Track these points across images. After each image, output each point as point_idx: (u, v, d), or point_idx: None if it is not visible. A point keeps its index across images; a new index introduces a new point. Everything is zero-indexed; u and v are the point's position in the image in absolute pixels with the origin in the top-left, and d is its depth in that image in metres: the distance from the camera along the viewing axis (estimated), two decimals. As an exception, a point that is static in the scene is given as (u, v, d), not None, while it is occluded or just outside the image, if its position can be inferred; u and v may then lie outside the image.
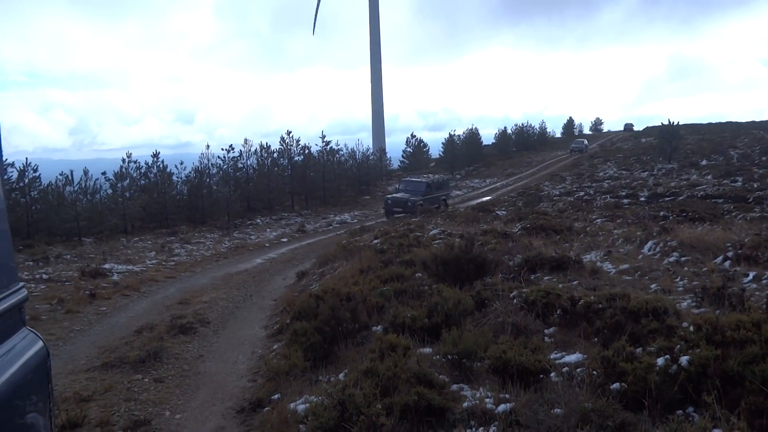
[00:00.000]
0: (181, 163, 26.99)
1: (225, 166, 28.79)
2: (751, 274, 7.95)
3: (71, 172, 22.19)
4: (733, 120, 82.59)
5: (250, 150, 30.74)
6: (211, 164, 28.00)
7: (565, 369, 4.98)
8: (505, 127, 64.93)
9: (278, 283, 13.73)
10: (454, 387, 4.87)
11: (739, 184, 27.13)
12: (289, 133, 32.74)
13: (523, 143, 66.55)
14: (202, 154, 27.80)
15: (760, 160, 36.79)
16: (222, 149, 28.99)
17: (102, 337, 9.31)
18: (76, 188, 22.24)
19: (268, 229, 24.33)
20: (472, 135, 55.90)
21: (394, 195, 26.96)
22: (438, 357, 5.49)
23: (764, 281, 7.60)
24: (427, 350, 5.81)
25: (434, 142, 52.28)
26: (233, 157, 29.33)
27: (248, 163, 30.71)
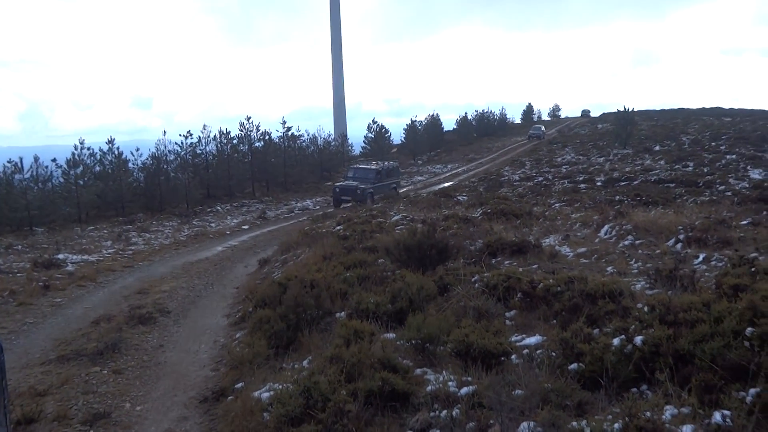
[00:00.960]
0: (137, 150, 26.26)
1: (183, 153, 28.15)
2: (701, 256, 8.26)
3: (20, 159, 21.34)
4: (685, 107, 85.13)
5: (209, 136, 30.12)
6: (169, 151, 27.33)
7: (525, 351, 5.10)
8: (465, 113, 65.42)
9: (240, 271, 13.58)
10: (418, 371, 4.94)
11: (690, 168, 28.03)
12: (248, 118, 32.21)
13: (484, 129, 67.20)
14: (158, 140, 27.12)
15: (710, 145, 38.08)
16: (180, 135, 28.34)
17: (57, 329, 9.06)
18: (26, 176, 21.42)
19: (228, 217, 23.99)
20: (434, 121, 56.11)
21: (343, 183, 25.82)
22: (402, 342, 5.55)
23: (713, 262, 7.91)
24: (391, 335, 5.85)
25: (398, 127, 52.30)
26: (191, 144, 28.69)
27: (207, 149, 30.09)
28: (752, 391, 3.73)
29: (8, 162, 21.24)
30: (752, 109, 73.38)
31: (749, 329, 4.27)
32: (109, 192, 23.92)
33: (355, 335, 5.31)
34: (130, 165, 25.84)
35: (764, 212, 12.62)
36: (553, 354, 4.86)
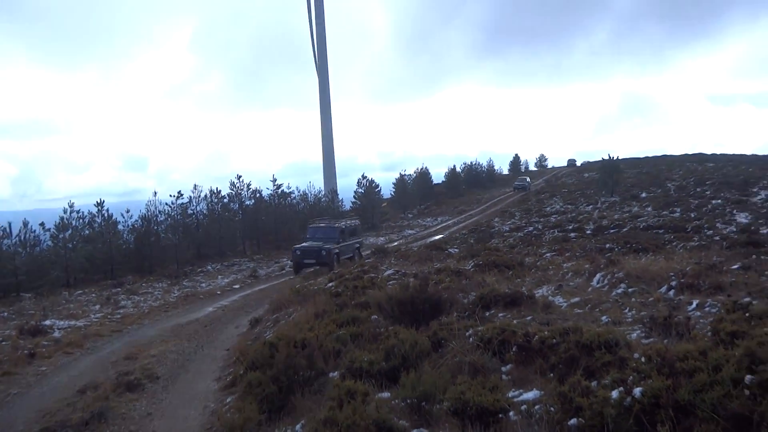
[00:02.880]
0: (128, 211, 26.28)
1: (174, 213, 28.16)
2: (695, 302, 8.24)
3: (9, 224, 21.24)
4: (668, 153, 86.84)
5: (199, 195, 30.25)
6: (159, 211, 27.36)
7: (523, 407, 4.98)
8: (454, 166, 66.32)
9: (231, 331, 13.35)
10: (414, 432, 4.80)
11: (678, 214, 28.36)
12: (239, 177, 32.51)
13: (472, 181, 68.01)
14: (149, 201, 27.20)
15: (695, 190, 38.67)
16: (170, 196, 28.43)
17: (42, 399, 8.78)
18: (14, 241, 21.25)
19: (219, 276, 23.78)
20: (423, 174, 56.79)
21: (304, 245, 23.05)
22: (397, 401, 5.41)
23: (707, 309, 7.88)
24: (386, 395, 5.71)
25: (390, 181, 52.87)
26: (182, 204, 28.76)
27: (198, 208, 30.18)
28: (757, 442, 3.65)
29: (-3, 227, 21.14)
30: (733, 154, 75.01)
31: (749, 377, 4.20)
32: (98, 255, 23.73)
33: (348, 396, 5.18)
34: (120, 226, 25.77)
35: (753, 256, 12.69)
36: (552, 409, 4.75)
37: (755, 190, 36.50)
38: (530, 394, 5.23)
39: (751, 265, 11.31)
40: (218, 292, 19.70)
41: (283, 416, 6.28)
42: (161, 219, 27.43)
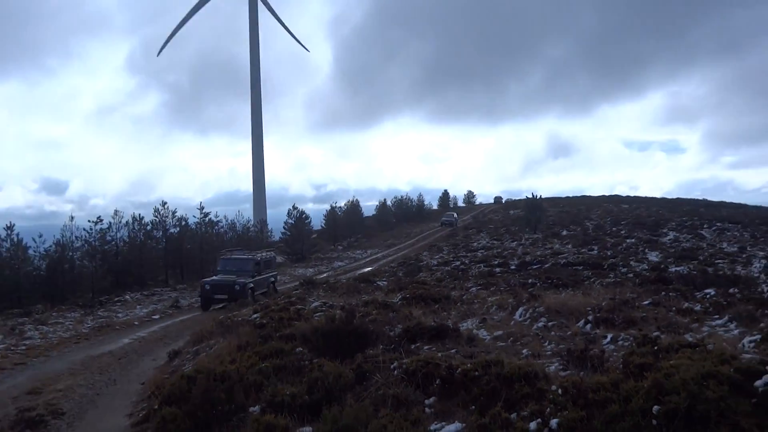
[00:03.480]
0: (40, 236, 24.73)
1: (91, 239, 26.76)
2: (609, 336, 8.60)
3: None
4: (587, 194, 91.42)
5: (120, 221, 28.93)
6: (76, 237, 25.94)
7: (444, 440, 4.99)
8: (385, 200, 67.01)
9: (147, 364, 12.70)
10: (335, 467, 4.69)
11: (595, 252, 29.74)
12: (164, 203, 31.43)
13: (402, 215, 68.83)
14: (65, 225, 25.74)
15: (611, 230, 40.79)
16: (89, 221, 27.03)
17: (-73, 439, 7.99)
18: None
19: (138, 306, 22.68)
20: (354, 207, 57.01)
21: (214, 278, 21.15)
22: (318, 436, 5.29)
23: (620, 342, 8.23)
24: (307, 429, 5.58)
25: (322, 213, 52.68)
26: (101, 229, 27.39)
27: (118, 235, 28.80)
28: (662, 470, 3.81)
29: None
30: (645, 197, 79.93)
31: (656, 407, 4.41)
32: (4, 282, 22.14)
33: (267, 431, 5.02)
34: (31, 251, 24.20)
35: (663, 293, 13.44)
36: (473, 442, 4.79)
37: (665, 230, 38.93)
38: (452, 427, 5.25)
39: (660, 301, 11.98)
40: (136, 323, 18.76)
41: (198, 454, 5.99)
42: (77, 245, 26.00)
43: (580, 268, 22.59)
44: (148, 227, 30.39)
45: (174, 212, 31.82)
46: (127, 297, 24.69)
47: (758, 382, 4.54)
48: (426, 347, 8.71)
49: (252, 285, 21.23)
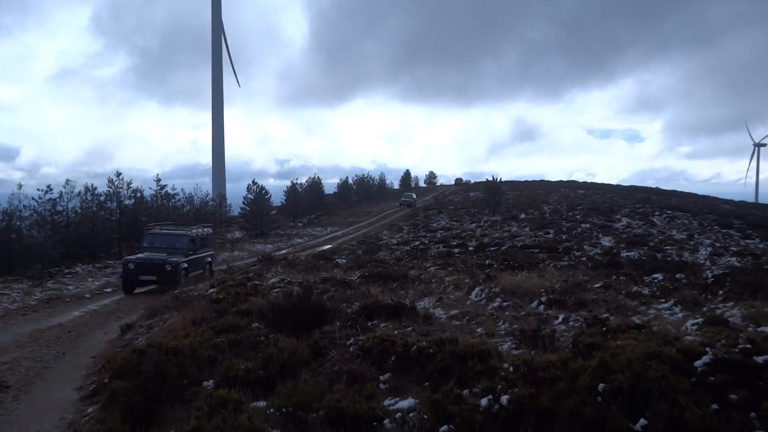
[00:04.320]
0: (-15, 205, 23.74)
1: (41, 209, 25.82)
2: (561, 317, 8.83)
3: None
4: (546, 179, 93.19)
5: (72, 191, 27.98)
6: (24, 206, 24.95)
7: (398, 415, 5.06)
8: (347, 177, 66.86)
9: (99, 338, 12.43)
10: (288, 441, 4.71)
11: (551, 236, 30.40)
12: (118, 174, 30.53)
13: (364, 193, 68.86)
14: (12, 194, 24.72)
15: (567, 215, 41.71)
16: (38, 190, 26.03)
17: None
18: None
19: (90, 278, 22.10)
20: (315, 184, 56.68)
21: (140, 256, 18.44)
22: (272, 410, 5.28)
23: (571, 323, 8.47)
24: (261, 404, 5.56)
25: (283, 189, 52.17)
26: (51, 199, 26.43)
27: (70, 206, 27.87)
28: (605, 445, 3.96)
29: None
30: (602, 183, 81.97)
31: (601, 385, 4.56)
32: (-55, 251, 21.21)
33: (220, 405, 4.98)
34: (-25, 221, 23.20)
35: (613, 276, 13.87)
36: (425, 417, 4.86)
37: (618, 217, 40.05)
38: (405, 403, 5.33)
39: (611, 284, 12.36)
40: (87, 296, 18.29)
41: (149, 427, 5.91)
42: (26, 214, 25.05)
43: (536, 251, 23.07)
44: (101, 198, 29.53)
45: (129, 183, 31.00)
46: (78, 269, 24.03)
47: (698, 363, 4.75)
48: (383, 325, 8.77)
49: (186, 265, 18.61)
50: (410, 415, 5.05)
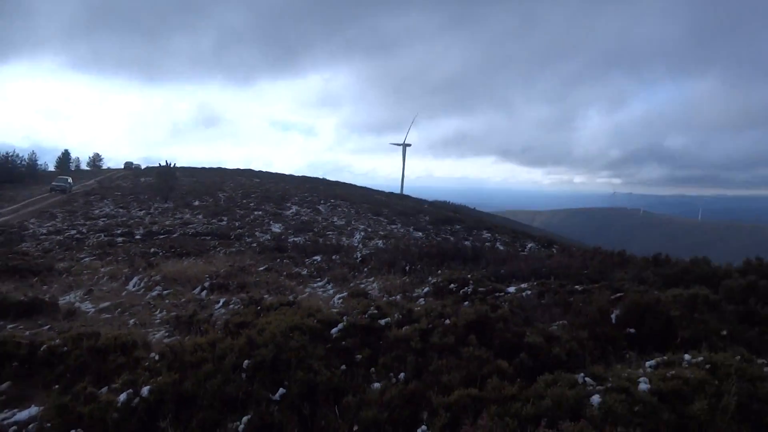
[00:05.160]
0: None
1: None
2: (222, 301, 8.80)
3: None
4: (224, 166, 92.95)
5: None
6: None
7: (13, 429, 4.28)
8: (-18, 156, 55.31)
9: None
10: None
11: (225, 223, 30.38)
12: None
13: (8, 175, 57.91)
14: None
15: (242, 202, 42.32)
16: None
17: None
18: None
19: None
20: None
21: None
22: None
23: (231, 306, 8.51)
24: None
25: None
26: None
27: None
28: (244, 419, 4.00)
29: None
30: (277, 173, 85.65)
31: (246, 362, 4.62)
32: None
33: None
34: None
35: (278, 260, 14.51)
36: (49, 425, 4.22)
37: (288, 204, 42.34)
38: (24, 413, 4.55)
39: (274, 267, 12.89)
40: None
41: None
42: None
43: (208, 238, 22.74)
44: None
45: None
46: None
47: (333, 330, 5.20)
48: (10, 326, 7.43)
49: None
50: (30, 426, 4.33)
